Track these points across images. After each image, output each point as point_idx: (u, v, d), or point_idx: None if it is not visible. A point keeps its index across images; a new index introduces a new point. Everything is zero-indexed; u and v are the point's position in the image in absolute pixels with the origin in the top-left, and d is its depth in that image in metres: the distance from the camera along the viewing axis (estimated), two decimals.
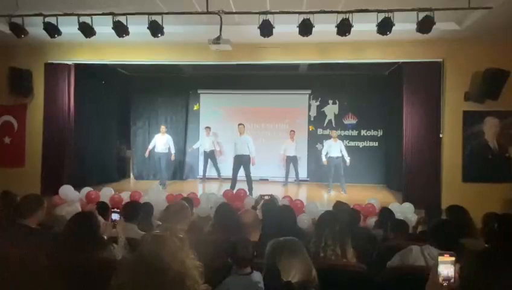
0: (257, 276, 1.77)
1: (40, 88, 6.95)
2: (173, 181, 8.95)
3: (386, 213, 3.97)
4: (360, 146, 9.26)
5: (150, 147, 8.16)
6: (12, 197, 3.51)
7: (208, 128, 8.99)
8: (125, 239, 2.41)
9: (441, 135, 6.30)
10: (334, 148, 7.81)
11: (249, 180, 7.29)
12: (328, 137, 8.78)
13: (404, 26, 4.71)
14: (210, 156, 8.93)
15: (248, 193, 6.67)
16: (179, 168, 9.45)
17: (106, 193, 6.22)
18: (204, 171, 9.00)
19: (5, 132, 7.03)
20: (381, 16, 4.54)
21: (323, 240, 2.13)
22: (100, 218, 2.76)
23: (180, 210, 2.43)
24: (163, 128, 8.26)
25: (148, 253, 1.33)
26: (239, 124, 7.56)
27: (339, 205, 3.85)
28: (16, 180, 5.92)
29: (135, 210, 3.19)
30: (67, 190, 6.14)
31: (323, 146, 8.67)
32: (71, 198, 5.96)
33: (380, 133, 9.27)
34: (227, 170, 8.46)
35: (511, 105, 6.05)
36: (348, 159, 7.76)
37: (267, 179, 9.15)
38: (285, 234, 1.72)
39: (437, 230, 2.27)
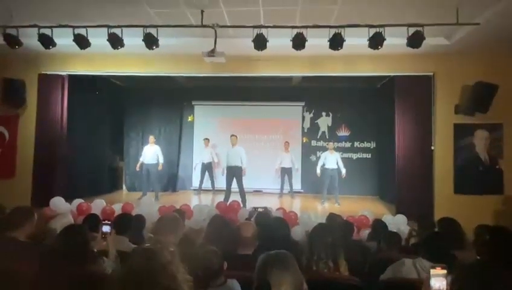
0: (232, 285, 1.74)
1: (33, 99, 6.91)
2: (166, 193, 8.87)
3: (379, 225, 3.97)
4: (354, 158, 9.32)
5: (141, 159, 8.10)
6: (1, 209, 3.45)
7: (206, 139, 8.95)
8: (115, 252, 2.37)
9: (432, 147, 6.38)
10: (331, 160, 7.86)
11: (242, 192, 7.25)
12: (322, 149, 8.87)
13: (395, 40, 4.81)
14: (207, 168, 8.86)
15: (242, 205, 6.63)
16: (171, 180, 9.39)
17: (98, 205, 6.13)
18: (201, 183, 8.92)
19: None
20: (373, 30, 4.64)
21: (316, 253, 2.12)
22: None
23: (172, 222, 2.40)
24: (151, 138, 8.19)
25: (138, 267, 1.31)
26: (231, 135, 7.57)
27: (332, 217, 3.84)
28: (6, 192, 5.84)
29: (127, 223, 3.14)
30: (58, 202, 6.05)
31: (317, 158, 8.73)
32: (62, 210, 5.86)
33: (373, 145, 9.34)
34: (221, 182, 8.43)
35: (500, 118, 6.17)
36: (344, 171, 7.82)
37: (261, 191, 9.12)
38: (279, 246, 1.70)
39: (429, 242, 2.28)
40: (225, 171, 7.62)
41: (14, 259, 2.23)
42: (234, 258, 2.40)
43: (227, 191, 7.30)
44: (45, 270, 1.99)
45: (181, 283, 1.32)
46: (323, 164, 7.91)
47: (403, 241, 3.84)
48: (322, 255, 2.12)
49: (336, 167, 7.82)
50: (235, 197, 7.00)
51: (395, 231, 3.88)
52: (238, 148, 7.45)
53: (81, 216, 5.29)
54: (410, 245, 3.62)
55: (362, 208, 6.45)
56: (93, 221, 3.37)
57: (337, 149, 8.90)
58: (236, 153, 7.35)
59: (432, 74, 6.40)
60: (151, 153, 8.03)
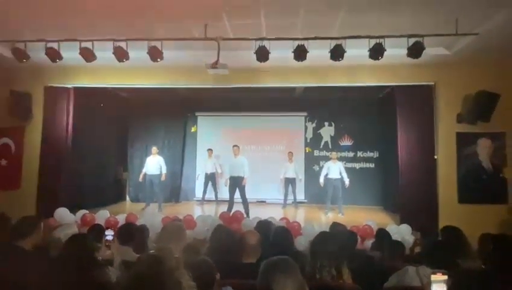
0: None
1: (39, 111, 7.02)
2: (169, 203, 8.88)
3: (382, 235, 3.96)
4: (357, 167, 9.31)
5: (144, 170, 8.14)
6: (6, 220, 3.49)
7: (210, 150, 8.98)
8: (120, 261, 2.39)
9: (435, 157, 6.37)
10: (334, 170, 7.88)
11: (245, 202, 7.26)
12: (325, 159, 8.88)
13: (396, 51, 4.88)
14: (211, 178, 8.88)
15: (245, 215, 6.63)
16: (174, 191, 9.41)
17: (102, 216, 6.16)
18: (204, 193, 8.92)
19: (2, 154, 7.03)
20: (373, 41, 4.72)
21: (319, 261, 2.14)
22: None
23: (177, 231, 2.43)
24: (154, 149, 8.25)
25: (144, 273, 1.33)
26: (233, 146, 7.64)
27: (335, 226, 3.85)
28: (11, 203, 5.88)
29: (130, 233, 3.17)
30: (62, 213, 6.09)
31: (320, 168, 8.73)
32: (66, 221, 5.89)
33: (376, 154, 9.34)
34: (224, 192, 8.44)
35: (503, 126, 6.17)
36: (347, 180, 7.81)
37: (265, 201, 9.11)
38: (282, 255, 1.72)
39: (432, 251, 2.29)
40: (228, 182, 7.64)
41: (21, 268, 2.26)
42: (238, 267, 2.42)
43: (230, 202, 7.31)
44: (51, 279, 2.02)
45: (186, 288, 1.34)
46: (327, 174, 7.92)
47: (407, 250, 3.83)
48: (324, 263, 2.13)
49: (339, 176, 7.83)
50: (238, 207, 7.01)
51: (399, 240, 3.87)
52: (240, 158, 7.49)
53: (85, 227, 5.32)
54: (415, 254, 3.61)
55: (366, 218, 6.42)
56: (97, 231, 3.40)
57: (340, 159, 8.91)
58: (239, 164, 7.39)
59: (433, 83, 6.43)
60: (154, 164, 8.08)
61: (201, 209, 8.43)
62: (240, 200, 7.35)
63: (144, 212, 7.31)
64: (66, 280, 2.00)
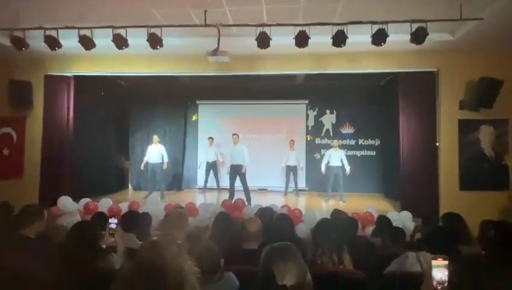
0: (229, 278, 1.79)
1: (40, 100, 7.01)
2: (171, 192, 8.94)
3: (383, 221, 3.99)
4: (358, 155, 9.31)
5: (146, 159, 8.17)
6: (9, 209, 3.53)
7: (211, 138, 8.95)
8: (124, 248, 2.42)
9: (437, 144, 6.36)
10: (335, 157, 7.88)
11: (246, 190, 7.31)
12: (326, 146, 8.88)
13: (398, 37, 4.81)
14: (212, 166, 8.90)
15: (246, 203, 6.68)
16: (176, 179, 9.46)
17: (104, 204, 6.21)
18: (206, 182, 8.94)
19: (4, 144, 7.06)
20: (376, 27, 4.65)
21: (320, 247, 2.16)
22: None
23: (179, 218, 2.45)
24: (156, 138, 8.24)
25: (147, 259, 1.34)
26: (233, 134, 7.68)
27: (336, 213, 3.87)
28: (14, 192, 5.93)
29: (134, 220, 3.21)
30: (65, 201, 6.14)
31: (321, 155, 8.73)
32: (69, 209, 5.96)
33: (377, 142, 9.33)
34: (226, 181, 8.46)
35: (505, 113, 6.14)
36: (348, 168, 7.82)
37: (266, 189, 9.16)
38: (284, 241, 1.74)
39: (432, 237, 2.30)
40: (229, 170, 7.68)
41: (25, 256, 2.29)
42: (240, 253, 2.45)
43: (231, 189, 7.36)
44: (56, 267, 2.04)
45: (189, 275, 1.36)
46: (328, 162, 7.93)
47: (408, 237, 3.86)
48: (325, 249, 2.15)
49: (340, 164, 7.84)
50: (240, 195, 7.05)
51: (399, 227, 3.89)
52: (240, 146, 7.52)
53: (88, 215, 5.38)
54: (415, 240, 3.64)
55: (367, 205, 6.46)
56: (100, 219, 3.44)
57: (342, 147, 8.90)
58: (239, 152, 7.42)
59: (436, 70, 6.38)
60: (155, 153, 8.10)
61: (204, 197, 8.49)
62: (242, 188, 7.39)
63: (147, 200, 7.36)
64: (70, 268, 2.02)
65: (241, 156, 7.39)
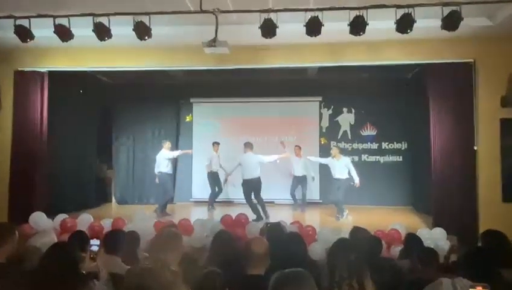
0: None
1: (9, 99, 7.09)
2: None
3: (412, 241, 3.97)
4: (381, 161, 9.30)
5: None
6: None
7: (216, 143, 8.87)
8: (107, 274, 2.43)
9: (475, 148, 6.34)
10: (338, 168, 7.58)
11: (263, 206, 7.31)
12: (344, 152, 8.69)
13: (428, 22, 4.82)
14: (215, 176, 8.81)
15: (264, 218, 6.86)
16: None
17: (84, 221, 6.24)
18: (214, 196, 8.79)
19: None
20: (401, 11, 4.65)
21: (337, 273, 2.16)
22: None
23: (172, 239, 2.46)
24: (168, 144, 8.38)
25: (135, 288, 1.36)
26: (245, 143, 7.57)
27: (356, 231, 3.86)
28: None
29: (118, 240, 3.22)
30: (38, 218, 6.17)
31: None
32: (43, 227, 5.99)
33: (404, 146, 9.32)
34: (230, 193, 8.45)
35: None
36: (357, 179, 7.48)
37: (273, 202, 9.13)
38: (294, 265, 1.74)
39: (470, 259, 2.30)
40: (230, 180, 7.67)
41: None
42: (243, 279, 2.45)
43: (253, 206, 7.30)
44: None
45: None
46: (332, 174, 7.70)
47: (442, 258, 3.84)
48: (344, 274, 2.15)
49: (347, 176, 7.51)
50: (242, 209, 7.03)
51: (431, 247, 3.89)
52: (253, 156, 7.42)
53: (66, 234, 5.40)
54: (450, 263, 3.62)
55: (393, 220, 6.42)
56: (80, 239, 3.45)
57: (362, 151, 8.90)
58: (253, 163, 7.36)
59: (472, 60, 6.37)
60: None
61: (202, 211, 8.43)
62: (243, 201, 7.44)
63: (134, 216, 7.39)
64: None
65: (257, 168, 7.35)
